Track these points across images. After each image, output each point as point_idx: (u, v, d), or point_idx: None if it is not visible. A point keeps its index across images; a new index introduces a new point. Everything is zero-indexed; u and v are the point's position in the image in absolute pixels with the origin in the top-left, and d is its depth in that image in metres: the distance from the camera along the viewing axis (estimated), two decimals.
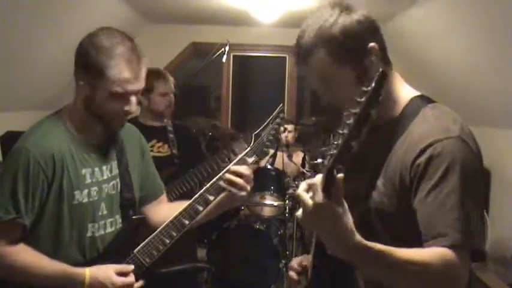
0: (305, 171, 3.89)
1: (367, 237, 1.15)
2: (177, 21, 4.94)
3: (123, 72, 1.43)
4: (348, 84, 1.18)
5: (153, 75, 2.88)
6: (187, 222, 1.60)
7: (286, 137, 4.22)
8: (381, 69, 0.91)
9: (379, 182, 1.19)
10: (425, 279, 1.04)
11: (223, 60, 3.59)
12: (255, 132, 1.70)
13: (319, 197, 0.94)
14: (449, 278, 1.04)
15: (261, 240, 3.57)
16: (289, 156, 4.03)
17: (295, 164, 4.18)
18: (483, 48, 3.28)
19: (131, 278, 1.53)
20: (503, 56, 3.13)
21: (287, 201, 3.77)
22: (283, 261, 3.51)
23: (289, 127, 4.43)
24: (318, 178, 0.96)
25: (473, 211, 1.08)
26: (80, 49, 1.47)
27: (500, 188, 3.81)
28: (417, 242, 1.09)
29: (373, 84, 0.90)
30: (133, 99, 1.49)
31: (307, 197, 0.97)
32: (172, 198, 2.66)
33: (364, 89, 0.90)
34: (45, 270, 1.45)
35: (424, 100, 1.24)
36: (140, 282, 1.56)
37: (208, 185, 1.63)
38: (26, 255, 1.46)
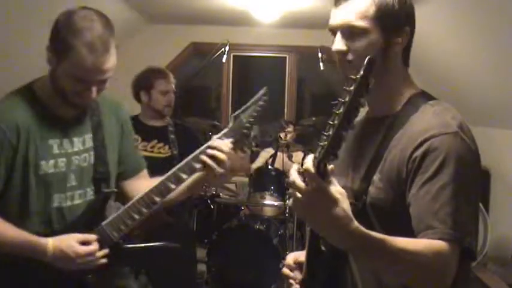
0: None
1: None
2: (177, 21, 4.94)
3: (84, 61, 1.41)
4: (372, 48, 1.16)
5: (154, 73, 2.89)
6: (158, 199, 1.58)
7: (286, 136, 4.23)
8: (368, 56, 0.90)
9: (376, 177, 1.18)
10: (416, 269, 1.03)
11: (223, 60, 3.59)
12: (235, 114, 1.66)
13: (316, 181, 0.92)
14: (438, 269, 1.03)
15: (261, 240, 3.56)
16: (289, 156, 4.03)
17: (295, 164, 4.17)
18: (483, 48, 3.28)
19: (94, 246, 1.51)
20: (503, 56, 3.13)
21: (287, 201, 3.76)
22: (283, 261, 3.50)
23: (289, 127, 4.45)
24: (309, 164, 0.93)
25: (466, 207, 1.07)
26: (55, 24, 1.46)
27: (500, 188, 3.81)
28: (413, 237, 1.08)
29: (362, 72, 0.88)
30: (93, 88, 1.47)
31: (301, 183, 0.95)
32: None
33: (353, 76, 0.89)
34: (8, 238, 1.45)
35: (425, 97, 1.23)
36: (104, 251, 1.53)
37: (182, 163, 1.60)
38: None
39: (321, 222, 0.97)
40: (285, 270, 1.40)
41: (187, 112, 4.79)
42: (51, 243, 1.47)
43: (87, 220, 1.58)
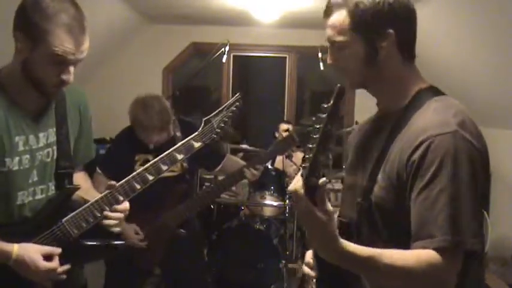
0: None
1: (370, 231, 1.16)
2: (177, 21, 4.94)
3: (64, 42, 1.39)
4: (356, 58, 1.20)
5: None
6: (121, 198, 1.58)
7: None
8: (338, 85, 0.95)
9: (380, 177, 1.18)
10: (409, 282, 1.06)
11: (223, 60, 3.59)
12: (206, 118, 1.66)
13: (304, 204, 0.98)
14: (432, 281, 1.05)
15: (261, 240, 3.56)
16: (289, 156, 4.04)
17: (295, 164, 4.18)
18: (484, 49, 3.28)
19: (55, 263, 1.50)
20: (503, 57, 3.13)
21: (287, 201, 3.77)
22: (283, 261, 3.51)
23: (286, 126, 4.46)
24: (298, 185, 0.99)
25: (467, 207, 1.06)
26: (22, 10, 1.42)
27: (500, 188, 3.81)
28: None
29: (331, 101, 0.94)
30: (71, 69, 1.46)
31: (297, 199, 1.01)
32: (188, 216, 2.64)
33: (324, 105, 0.95)
34: None
35: (431, 92, 1.22)
36: (65, 267, 1.53)
37: (148, 165, 1.61)
38: None
39: (311, 239, 1.05)
40: (305, 269, 1.38)
41: (187, 112, 4.80)
42: (15, 250, 1.45)
43: (47, 216, 1.56)
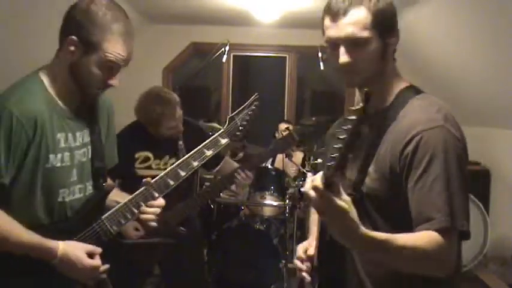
0: (305, 171, 3.89)
1: (363, 221, 1.23)
2: (177, 21, 4.94)
3: (118, 49, 1.48)
4: (374, 54, 1.25)
5: (162, 109, 2.59)
6: (156, 194, 1.64)
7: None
8: (365, 89, 0.98)
9: (371, 169, 1.26)
10: (419, 261, 1.14)
11: (223, 60, 3.59)
12: (230, 116, 1.76)
13: (325, 196, 1.01)
14: (440, 259, 1.14)
15: (261, 240, 3.56)
16: (289, 156, 4.04)
17: (295, 164, 4.18)
18: (483, 49, 3.28)
19: (98, 261, 1.55)
20: (503, 56, 3.13)
21: (287, 201, 3.77)
22: (283, 261, 3.51)
23: (286, 125, 4.45)
24: (317, 182, 1.01)
25: (459, 193, 1.17)
26: (76, 16, 1.48)
27: (500, 188, 3.81)
28: (408, 224, 1.18)
29: (361, 104, 0.97)
30: (117, 73, 1.54)
31: (313, 195, 1.03)
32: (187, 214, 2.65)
33: (352, 108, 0.98)
34: (20, 239, 1.44)
35: (412, 91, 1.32)
36: (106, 266, 1.58)
37: (177, 164, 1.67)
38: (2, 221, 1.43)
39: (334, 228, 1.07)
40: (297, 262, 1.48)
41: (187, 113, 4.80)
42: (61, 248, 1.48)
43: (86, 214, 1.60)
